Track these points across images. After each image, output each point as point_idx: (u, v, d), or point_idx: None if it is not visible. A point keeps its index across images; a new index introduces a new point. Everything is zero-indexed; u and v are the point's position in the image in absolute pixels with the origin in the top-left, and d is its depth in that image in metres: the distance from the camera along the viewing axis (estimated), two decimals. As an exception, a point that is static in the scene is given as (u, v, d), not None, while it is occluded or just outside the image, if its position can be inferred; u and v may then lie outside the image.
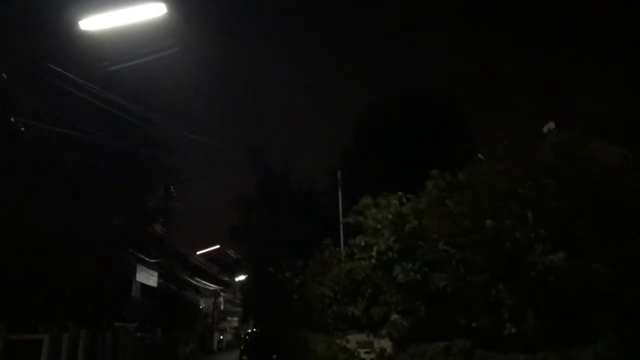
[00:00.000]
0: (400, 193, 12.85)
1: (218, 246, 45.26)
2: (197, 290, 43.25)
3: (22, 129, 15.13)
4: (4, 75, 13.34)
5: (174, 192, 30.91)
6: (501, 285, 8.04)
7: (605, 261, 5.86)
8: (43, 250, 19.00)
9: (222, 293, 53.41)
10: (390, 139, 24.81)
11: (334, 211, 23.52)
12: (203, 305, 49.38)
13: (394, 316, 13.82)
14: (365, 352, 16.85)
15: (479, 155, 8.70)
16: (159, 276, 32.43)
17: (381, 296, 15.19)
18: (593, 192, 6.37)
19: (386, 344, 14.90)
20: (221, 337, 57.50)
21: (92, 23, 9.15)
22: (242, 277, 43.85)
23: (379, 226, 12.05)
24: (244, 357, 27.09)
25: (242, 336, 38.76)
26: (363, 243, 12.49)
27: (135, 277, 30.48)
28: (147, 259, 29.81)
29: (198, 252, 42.29)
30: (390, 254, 11.92)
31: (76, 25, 9.11)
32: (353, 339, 17.43)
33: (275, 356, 26.66)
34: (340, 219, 17.43)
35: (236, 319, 59.85)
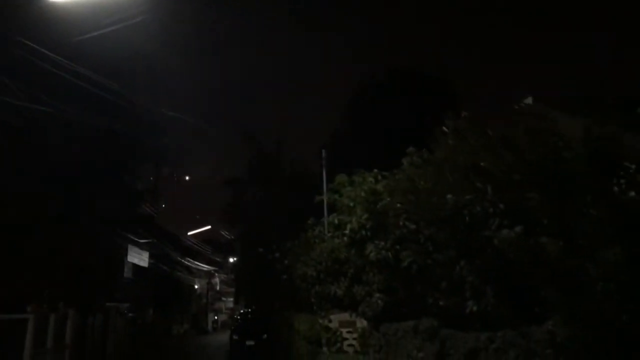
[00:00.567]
0: (375, 170, 12.60)
1: (209, 227, 45.34)
2: (190, 271, 43.36)
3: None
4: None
5: (164, 172, 30.75)
6: (463, 262, 7.81)
7: (555, 235, 5.61)
8: (25, 229, 18.88)
9: (216, 274, 53.63)
10: (380, 118, 24.51)
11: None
12: (197, 286, 49.63)
13: (376, 295, 13.69)
14: (348, 332, 16.76)
15: (444, 128, 8.39)
16: (150, 257, 32.40)
17: (364, 275, 15.05)
18: (548, 164, 6.10)
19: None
20: (216, 317, 57.92)
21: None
22: (235, 259, 43.94)
23: (352, 204, 11.81)
24: (235, 337, 27.10)
25: (235, 316, 38.92)
26: (336, 221, 12.27)
27: (126, 257, 30.51)
28: (137, 240, 29.72)
29: (189, 233, 42.35)
30: (363, 232, 11.73)
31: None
32: (336, 319, 17.32)
33: (265, 336, 26.70)
34: (325, 199, 17.20)
35: (231, 299, 60.17)
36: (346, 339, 16.72)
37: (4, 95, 14.13)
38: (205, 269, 47.31)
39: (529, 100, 11.46)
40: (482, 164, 7.23)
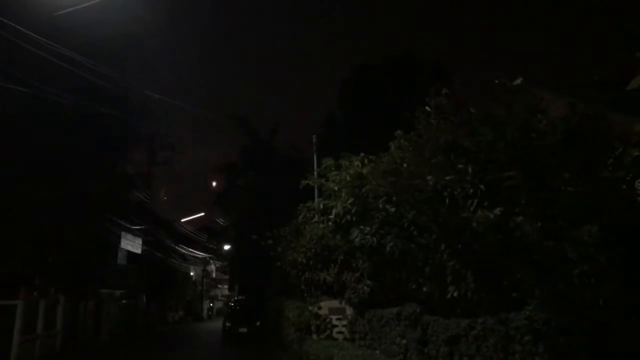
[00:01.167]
0: (362, 154, 12.28)
1: (202, 214, 45.11)
2: (185, 258, 43.24)
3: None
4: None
5: (157, 157, 30.46)
6: (443, 246, 7.53)
7: (533, 216, 5.33)
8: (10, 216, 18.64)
9: (212, 261, 53.55)
10: (375, 102, 24.16)
11: (319, 177, 23.07)
12: (193, 273, 49.54)
13: (366, 282, 13.47)
14: (337, 319, 16.58)
15: (427, 107, 8.06)
16: (144, 243, 32.22)
17: (353, 262, 14.81)
18: (527, 141, 5.80)
19: (359, 310, 14.60)
20: (211, 304, 57.91)
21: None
22: (229, 246, 43.78)
23: (337, 188, 11.51)
24: (228, 324, 26.95)
25: (230, 303, 38.85)
26: (322, 206, 11.98)
27: (120, 244, 30.34)
28: (130, 226, 29.52)
29: (183, 220, 42.15)
30: (348, 217, 11.45)
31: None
32: (326, 306, 17.12)
33: (258, 323, 26.57)
34: (313, 184, 16.89)
35: (227, 286, 60.14)
36: (336, 326, 16.54)
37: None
38: (200, 256, 47.22)
39: (519, 81, 11.13)
40: (462, 142, 6.91)
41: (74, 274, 24.08)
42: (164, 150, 31.75)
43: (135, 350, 23.60)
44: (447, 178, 6.99)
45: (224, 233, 42.75)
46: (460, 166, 7.13)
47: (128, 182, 27.60)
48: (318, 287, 17.79)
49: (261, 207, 29.02)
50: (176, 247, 40.38)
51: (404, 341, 9.94)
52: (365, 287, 12.50)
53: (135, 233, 31.47)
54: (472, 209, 6.31)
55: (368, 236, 10.81)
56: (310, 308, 17.55)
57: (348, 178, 11.44)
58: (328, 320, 16.79)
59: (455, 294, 7.57)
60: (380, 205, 8.57)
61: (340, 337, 15.89)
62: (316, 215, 13.15)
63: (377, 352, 11.40)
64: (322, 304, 17.25)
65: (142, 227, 31.55)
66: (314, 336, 16.59)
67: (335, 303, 16.69)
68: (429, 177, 7.28)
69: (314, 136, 20.96)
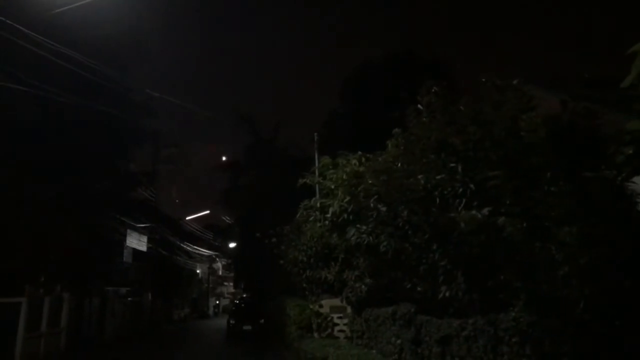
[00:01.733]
0: (359, 153, 12.21)
1: (208, 211, 45.18)
2: (190, 255, 43.38)
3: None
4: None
5: (162, 155, 30.57)
6: (435, 246, 7.46)
7: (518, 216, 5.24)
8: (15, 212, 18.77)
9: (218, 259, 53.70)
10: (376, 99, 24.06)
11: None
12: (199, 270, 49.70)
13: (367, 280, 13.40)
14: (339, 317, 16.53)
15: (418, 105, 7.97)
16: (150, 241, 32.36)
17: (354, 260, 14.76)
18: (511, 139, 5.70)
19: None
20: (217, 302, 58.06)
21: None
22: (235, 244, 43.84)
23: (333, 187, 11.45)
24: (232, 322, 27.03)
25: (235, 301, 38.95)
26: (318, 204, 11.92)
27: (125, 242, 30.49)
28: (135, 224, 29.65)
29: (188, 218, 42.24)
30: (345, 215, 11.39)
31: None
32: (327, 304, 17.08)
33: (262, 321, 26.62)
34: (311, 182, 16.85)
35: (233, 284, 60.26)
36: (337, 324, 16.49)
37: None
38: (206, 253, 47.34)
39: (515, 82, 11.00)
40: (451, 141, 6.82)
41: (79, 271, 24.23)
42: (167, 149, 31.87)
43: (140, 348, 23.70)
44: (438, 177, 6.92)
45: (228, 231, 42.84)
46: (452, 165, 7.06)
47: (132, 180, 27.70)
48: (319, 286, 17.77)
49: (264, 206, 29.03)
50: (182, 245, 40.53)
51: (398, 341, 9.88)
52: (362, 286, 12.43)
53: (140, 231, 31.61)
54: (460, 208, 6.23)
55: (364, 235, 10.74)
56: (311, 306, 17.53)
57: (344, 177, 11.38)
58: (329, 318, 16.74)
59: (447, 294, 7.51)
60: (372, 205, 8.51)
61: (341, 335, 15.83)
62: (314, 214, 13.07)
63: (374, 351, 11.34)
64: (323, 302, 17.21)
65: (148, 225, 31.68)
66: (315, 334, 16.55)
67: (336, 301, 16.63)
68: (420, 176, 7.21)
69: (315, 134, 20.91)
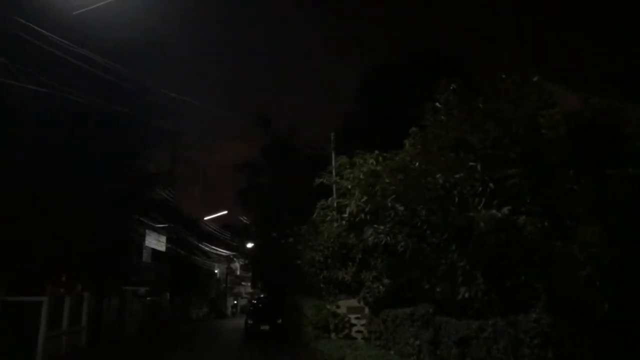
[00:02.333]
0: (376, 152, 12.11)
1: (226, 212, 45.30)
2: (208, 255, 43.60)
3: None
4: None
5: (180, 156, 30.78)
6: (454, 246, 7.35)
7: (538, 215, 5.12)
8: (36, 213, 19.02)
9: (235, 259, 53.89)
10: (395, 98, 23.90)
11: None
12: (217, 270, 49.97)
13: (385, 281, 13.32)
14: (356, 318, 16.46)
15: (436, 104, 7.86)
16: (168, 241, 32.61)
17: (372, 260, 14.67)
18: (530, 136, 5.58)
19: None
20: (235, 301, 58.29)
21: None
22: (252, 244, 43.98)
23: (350, 186, 11.38)
24: (250, 322, 27.06)
25: (252, 301, 39.08)
26: (335, 204, 11.86)
27: (144, 242, 30.76)
28: (153, 224, 29.89)
29: (206, 218, 42.44)
30: (362, 215, 11.30)
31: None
32: (344, 304, 17.04)
33: (280, 320, 26.60)
34: (327, 182, 16.79)
35: (250, 284, 60.42)
36: (354, 325, 16.42)
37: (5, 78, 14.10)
38: (224, 253, 47.55)
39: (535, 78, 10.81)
40: (468, 138, 6.71)
41: (99, 271, 24.47)
42: (185, 149, 32.07)
43: (159, 347, 23.83)
44: (457, 176, 6.81)
45: (246, 231, 42.97)
46: (470, 163, 6.95)
47: (150, 180, 27.91)
48: (336, 286, 17.71)
49: (281, 206, 29.04)
50: (200, 245, 40.74)
51: (417, 342, 9.80)
52: (380, 287, 12.34)
53: (159, 231, 31.85)
54: (479, 207, 6.12)
55: (381, 235, 10.66)
56: (328, 307, 17.48)
57: (361, 176, 11.30)
58: (346, 319, 16.68)
59: (467, 295, 7.40)
60: (389, 204, 8.42)
61: (359, 336, 15.76)
62: (330, 214, 13.00)
63: (392, 352, 11.27)
64: (340, 302, 17.16)
65: (166, 225, 31.91)
66: (333, 335, 16.50)
67: (353, 302, 16.56)
68: (438, 175, 7.11)
69: (332, 134, 20.81)
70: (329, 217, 13.40)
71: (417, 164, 8.61)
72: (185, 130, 29.28)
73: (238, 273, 59.71)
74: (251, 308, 31.39)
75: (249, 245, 43.62)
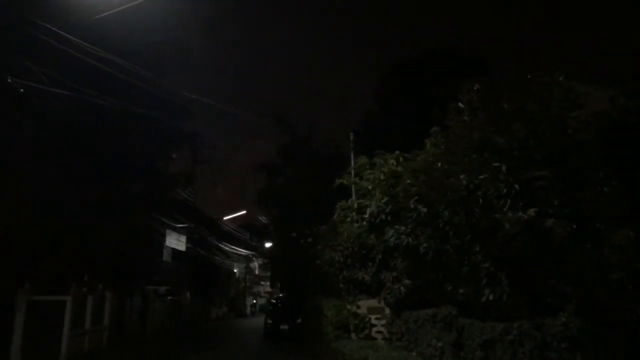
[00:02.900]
0: (397, 152, 12.03)
1: (245, 211, 45.55)
2: (227, 255, 43.87)
3: (22, 90, 15.10)
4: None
5: (198, 157, 31.00)
6: (477, 247, 7.27)
7: (566, 218, 5.03)
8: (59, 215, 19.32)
9: (255, 258, 54.19)
10: (414, 97, 23.74)
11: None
12: (236, 270, 50.26)
13: (405, 281, 13.24)
14: (376, 318, 16.39)
15: (459, 104, 7.78)
16: (188, 241, 32.89)
17: (391, 261, 14.59)
18: (559, 137, 5.48)
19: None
20: (254, 301, 58.59)
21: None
22: (271, 243, 44.16)
23: (370, 187, 11.33)
24: (269, 321, 27.17)
25: (271, 300, 39.24)
26: (355, 205, 11.82)
27: (165, 242, 31.06)
28: (174, 225, 30.17)
29: (225, 218, 42.70)
30: (383, 216, 11.25)
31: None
32: (364, 305, 16.98)
33: (299, 320, 26.64)
34: (347, 182, 16.75)
35: (269, 283, 60.65)
36: (374, 325, 16.36)
37: (29, 80, 14.34)
38: (243, 253, 47.82)
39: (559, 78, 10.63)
40: (494, 139, 6.61)
41: (120, 270, 24.78)
42: (206, 149, 32.31)
43: (180, 346, 24.04)
44: (481, 177, 6.73)
45: (265, 231, 43.16)
46: (495, 164, 6.85)
47: (171, 180, 28.17)
48: (356, 286, 17.65)
49: (300, 206, 29.05)
50: (219, 245, 41.02)
51: (439, 343, 9.72)
52: (401, 287, 12.26)
53: (179, 231, 32.12)
54: (505, 209, 6.04)
55: (403, 236, 10.58)
56: (348, 307, 17.44)
57: (382, 177, 11.24)
58: (367, 319, 16.61)
59: (491, 297, 7.31)
60: (412, 205, 8.36)
61: (379, 336, 15.69)
62: (350, 214, 12.96)
63: (414, 353, 11.19)
64: (360, 303, 17.10)
65: (186, 225, 32.18)
66: (353, 335, 16.45)
67: (374, 302, 16.48)
68: (461, 176, 7.03)
69: (350, 134, 20.75)
70: (349, 218, 13.33)
71: (439, 164, 8.53)
72: (206, 131, 29.47)
73: (257, 272, 59.98)
74: (270, 308, 31.48)
75: (268, 244, 43.79)
